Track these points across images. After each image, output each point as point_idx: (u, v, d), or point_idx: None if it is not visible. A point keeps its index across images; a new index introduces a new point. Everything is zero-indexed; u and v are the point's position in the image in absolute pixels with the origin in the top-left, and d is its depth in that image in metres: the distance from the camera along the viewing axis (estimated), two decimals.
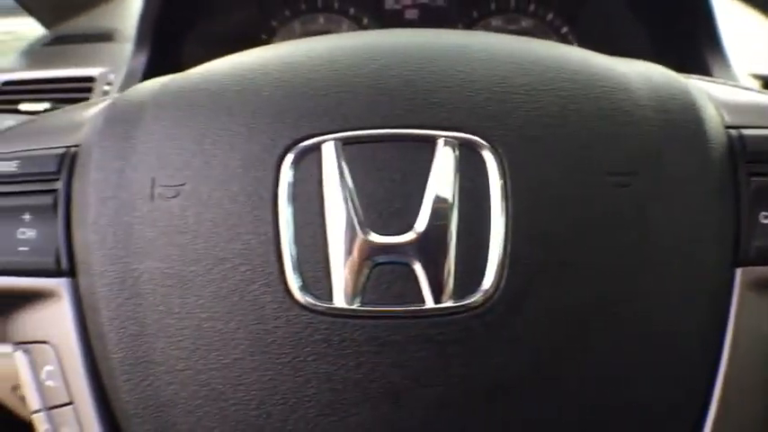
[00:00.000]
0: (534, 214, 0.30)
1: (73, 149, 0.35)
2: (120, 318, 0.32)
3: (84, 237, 0.33)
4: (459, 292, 0.29)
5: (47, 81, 0.81)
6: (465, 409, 0.30)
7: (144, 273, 0.32)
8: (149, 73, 0.78)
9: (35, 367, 0.35)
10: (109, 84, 0.80)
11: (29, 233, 0.34)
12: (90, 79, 0.82)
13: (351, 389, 0.30)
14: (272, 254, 0.30)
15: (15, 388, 0.90)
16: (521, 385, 0.30)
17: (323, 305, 0.30)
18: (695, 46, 0.73)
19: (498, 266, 0.29)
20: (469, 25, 0.88)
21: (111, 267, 0.32)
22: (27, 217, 0.34)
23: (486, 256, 0.29)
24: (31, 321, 0.35)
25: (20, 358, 0.36)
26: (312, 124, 0.31)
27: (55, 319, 0.35)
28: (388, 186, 0.30)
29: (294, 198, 0.30)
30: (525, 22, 0.88)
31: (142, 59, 0.79)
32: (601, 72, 0.33)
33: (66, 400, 0.35)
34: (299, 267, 0.30)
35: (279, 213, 0.30)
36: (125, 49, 0.88)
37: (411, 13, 0.88)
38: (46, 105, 0.83)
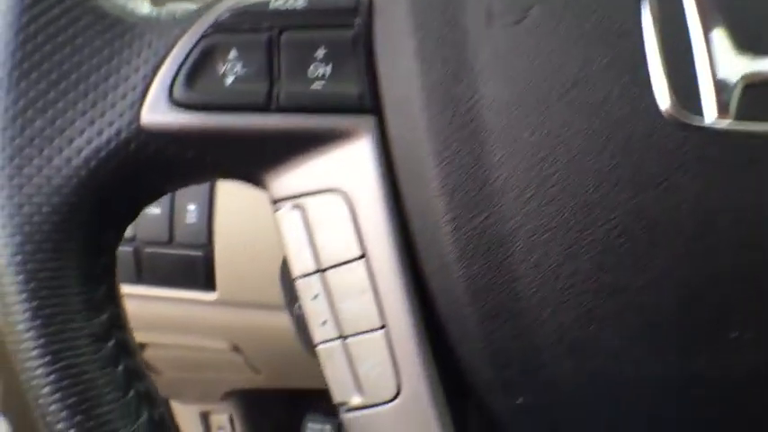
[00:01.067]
0: None
1: None
2: (449, 150, 0.29)
3: (399, 70, 0.30)
4: None
5: None
6: None
7: (482, 99, 0.28)
8: None
9: (308, 223, 0.32)
10: None
11: (322, 69, 0.31)
12: None
13: (722, 212, 0.27)
14: (638, 71, 0.27)
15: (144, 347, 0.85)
16: None
17: (695, 122, 0.27)
18: None
19: None
20: None
21: (440, 96, 0.29)
22: (321, 52, 0.31)
23: None
24: (314, 169, 0.32)
25: (287, 216, 0.32)
26: None
27: (350, 163, 0.31)
28: (752, 8, 0.27)
29: (658, 17, 0.27)
30: None
31: None
32: None
33: (356, 254, 0.31)
34: (667, 84, 0.27)
35: (643, 30, 0.27)
36: None
37: None
38: None
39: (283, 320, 0.75)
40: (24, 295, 0.31)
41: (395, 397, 0.31)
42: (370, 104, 0.31)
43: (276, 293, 0.73)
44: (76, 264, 0.32)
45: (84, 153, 0.31)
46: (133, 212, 0.35)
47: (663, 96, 0.27)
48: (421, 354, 0.31)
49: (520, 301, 0.29)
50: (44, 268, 0.31)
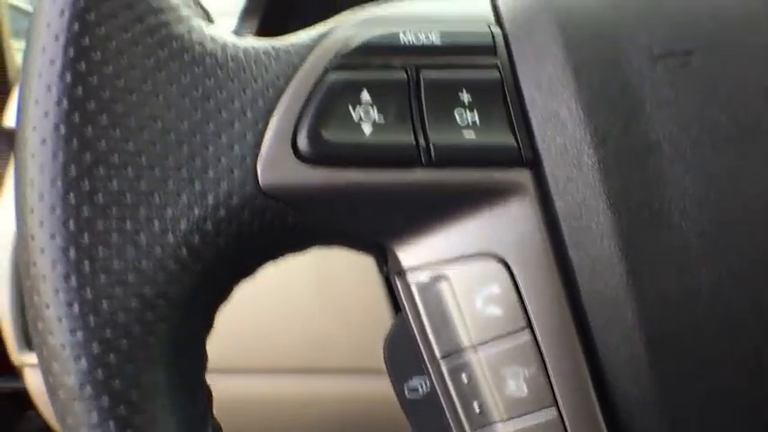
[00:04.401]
0: None
1: (498, 29, 0.27)
2: (628, 203, 0.24)
3: (558, 118, 0.25)
4: None
5: None
6: None
7: (656, 146, 0.24)
8: None
9: (455, 294, 0.26)
10: None
11: (469, 116, 0.26)
12: None
13: None
14: None
15: None
16: None
17: None
18: None
19: None
20: None
21: (612, 147, 0.25)
22: (465, 97, 0.26)
23: None
24: (462, 231, 0.26)
25: (425, 287, 0.26)
26: None
27: (506, 222, 0.26)
28: None
29: None
30: None
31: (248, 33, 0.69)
32: None
33: (519, 326, 0.26)
34: None
35: None
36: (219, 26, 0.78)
37: None
38: None
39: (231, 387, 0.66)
40: (111, 423, 0.23)
41: None
42: (527, 156, 0.26)
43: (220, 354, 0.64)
44: (171, 375, 0.24)
45: (183, 225, 0.23)
46: (226, 295, 0.27)
47: None
48: None
49: (705, 367, 0.25)
50: (135, 384, 0.23)
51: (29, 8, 1.85)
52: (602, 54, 0.25)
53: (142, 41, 0.24)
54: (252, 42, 0.26)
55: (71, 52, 0.23)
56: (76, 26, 0.23)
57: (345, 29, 0.27)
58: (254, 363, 0.64)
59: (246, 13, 0.71)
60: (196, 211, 0.23)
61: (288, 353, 0.64)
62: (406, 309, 0.27)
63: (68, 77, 0.23)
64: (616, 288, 0.25)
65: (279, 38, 0.27)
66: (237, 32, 0.68)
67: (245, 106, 0.24)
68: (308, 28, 0.28)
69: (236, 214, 0.24)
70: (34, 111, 0.23)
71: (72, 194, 0.23)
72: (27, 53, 0.24)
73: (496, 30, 0.27)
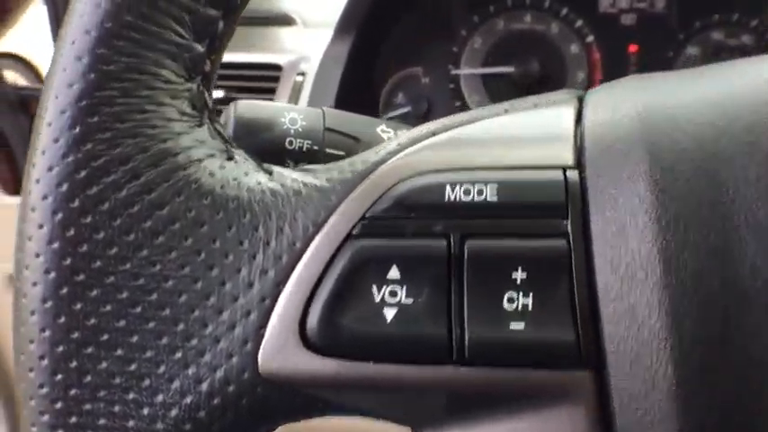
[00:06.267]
0: None
1: (576, 174, 0.21)
2: (711, 426, 0.19)
3: (634, 315, 0.20)
4: None
5: (229, 66, 0.67)
6: None
7: (757, 356, 0.18)
8: (352, 63, 0.64)
9: None
10: (300, 74, 0.66)
11: (521, 300, 0.20)
12: (277, 67, 0.68)
13: None
14: None
15: None
16: None
17: None
18: None
19: None
20: (689, 37, 0.74)
21: (695, 366, 0.19)
22: (520, 275, 0.20)
23: None
24: None
25: None
26: None
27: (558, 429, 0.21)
28: None
29: None
30: (746, 37, 0.75)
31: (343, 48, 0.65)
32: None
33: None
34: None
35: None
36: (308, 36, 0.74)
37: (627, 18, 0.75)
38: (220, 94, 0.69)
39: None
40: None
41: None
42: (588, 356, 0.20)
43: None
44: None
45: (174, 413, 0.20)
46: None
47: None
48: None
49: None
50: None
51: None
52: (706, 236, 0.19)
53: (138, 201, 0.20)
54: (277, 182, 0.21)
55: (59, 216, 0.20)
56: (65, 187, 0.20)
57: (389, 168, 0.21)
58: None
59: (342, 26, 0.66)
60: (188, 399, 0.20)
61: None
62: None
63: (57, 245, 0.20)
64: None
65: (312, 168, 0.22)
66: (332, 50, 0.64)
67: (253, 277, 0.20)
68: (350, 157, 0.23)
69: (232, 402, 0.20)
70: (24, 276, 0.20)
71: (59, 374, 0.20)
72: (22, 205, 0.21)
73: (572, 176, 0.21)
